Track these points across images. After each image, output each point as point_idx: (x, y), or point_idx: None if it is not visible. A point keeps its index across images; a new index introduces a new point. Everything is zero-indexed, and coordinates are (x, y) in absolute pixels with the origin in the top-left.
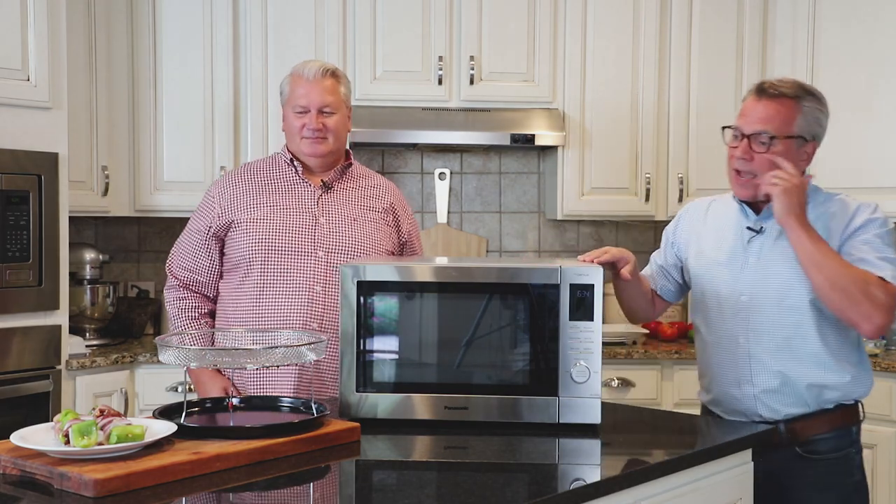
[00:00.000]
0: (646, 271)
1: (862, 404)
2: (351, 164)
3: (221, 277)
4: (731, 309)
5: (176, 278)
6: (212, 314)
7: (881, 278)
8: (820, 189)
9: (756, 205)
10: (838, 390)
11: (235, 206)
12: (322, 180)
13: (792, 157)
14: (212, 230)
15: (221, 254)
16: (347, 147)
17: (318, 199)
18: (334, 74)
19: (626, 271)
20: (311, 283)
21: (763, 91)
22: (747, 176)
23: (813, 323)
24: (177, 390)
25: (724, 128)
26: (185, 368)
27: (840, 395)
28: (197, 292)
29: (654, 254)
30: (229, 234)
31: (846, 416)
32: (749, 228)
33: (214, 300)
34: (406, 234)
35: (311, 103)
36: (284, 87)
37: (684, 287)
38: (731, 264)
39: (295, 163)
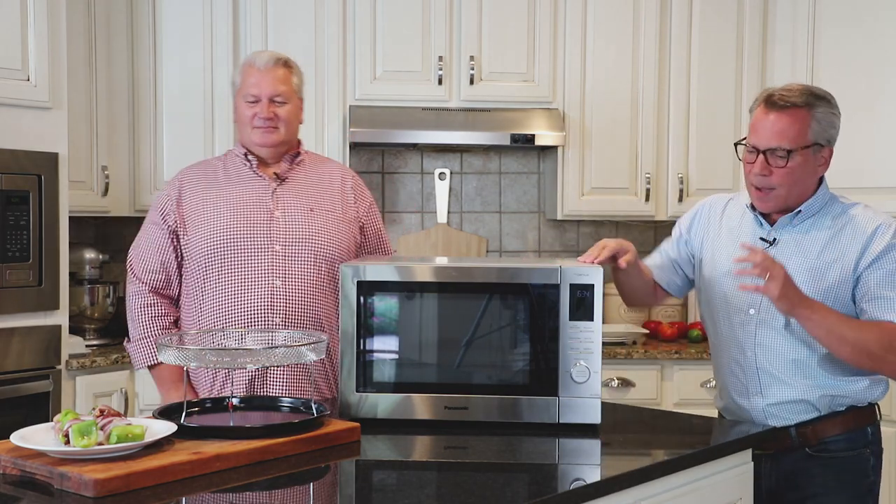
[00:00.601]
0: (653, 261)
1: (878, 405)
2: (299, 154)
3: (181, 277)
4: (740, 321)
5: (140, 281)
6: (177, 322)
7: None
8: (836, 199)
9: (770, 214)
10: (851, 396)
11: (190, 202)
12: (275, 172)
13: (810, 166)
14: (167, 224)
15: (179, 250)
16: (300, 137)
17: (273, 192)
18: (287, 64)
19: (623, 260)
20: (271, 277)
21: (773, 103)
22: (767, 190)
23: None
24: None
25: (736, 144)
26: (184, 368)
27: (852, 400)
28: (163, 296)
29: (664, 244)
30: (185, 231)
31: (859, 418)
32: (762, 239)
33: (178, 301)
34: (364, 214)
35: (263, 92)
36: (236, 78)
37: (691, 283)
38: (742, 275)
39: (249, 157)
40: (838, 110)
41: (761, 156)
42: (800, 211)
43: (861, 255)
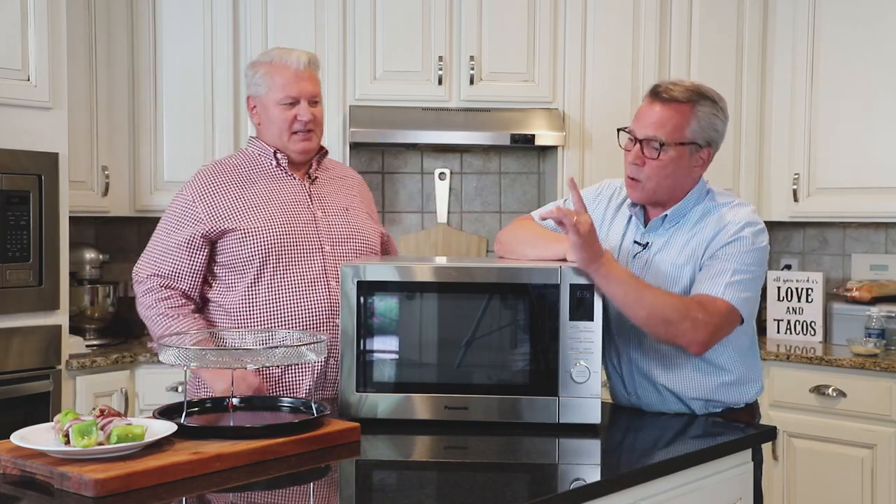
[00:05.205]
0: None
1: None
2: (326, 153)
3: (214, 279)
4: (616, 325)
5: (150, 281)
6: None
7: (712, 296)
8: (712, 197)
9: (648, 213)
10: (723, 400)
11: (225, 208)
12: (308, 173)
13: (684, 164)
14: (199, 234)
15: (210, 256)
16: None
17: (309, 192)
18: (317, 63)
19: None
20: (327, 278)
21: (657, 94)
22: (637, 182)
23: None
24: (177, 390)
25: (619, 130)
26: (185, 369)
27: (725, 403)
28: (178, 290)
29: (550, 218)
30: (224, 239)
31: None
32: (636, 243)
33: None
34: (374, 212)
35: (303, 94)
36: (261, 79)
37: None
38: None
39: (278, 155)
40: (725, 112)
41: (638, 145)
42: (666, 215)
43: (704, 250)
